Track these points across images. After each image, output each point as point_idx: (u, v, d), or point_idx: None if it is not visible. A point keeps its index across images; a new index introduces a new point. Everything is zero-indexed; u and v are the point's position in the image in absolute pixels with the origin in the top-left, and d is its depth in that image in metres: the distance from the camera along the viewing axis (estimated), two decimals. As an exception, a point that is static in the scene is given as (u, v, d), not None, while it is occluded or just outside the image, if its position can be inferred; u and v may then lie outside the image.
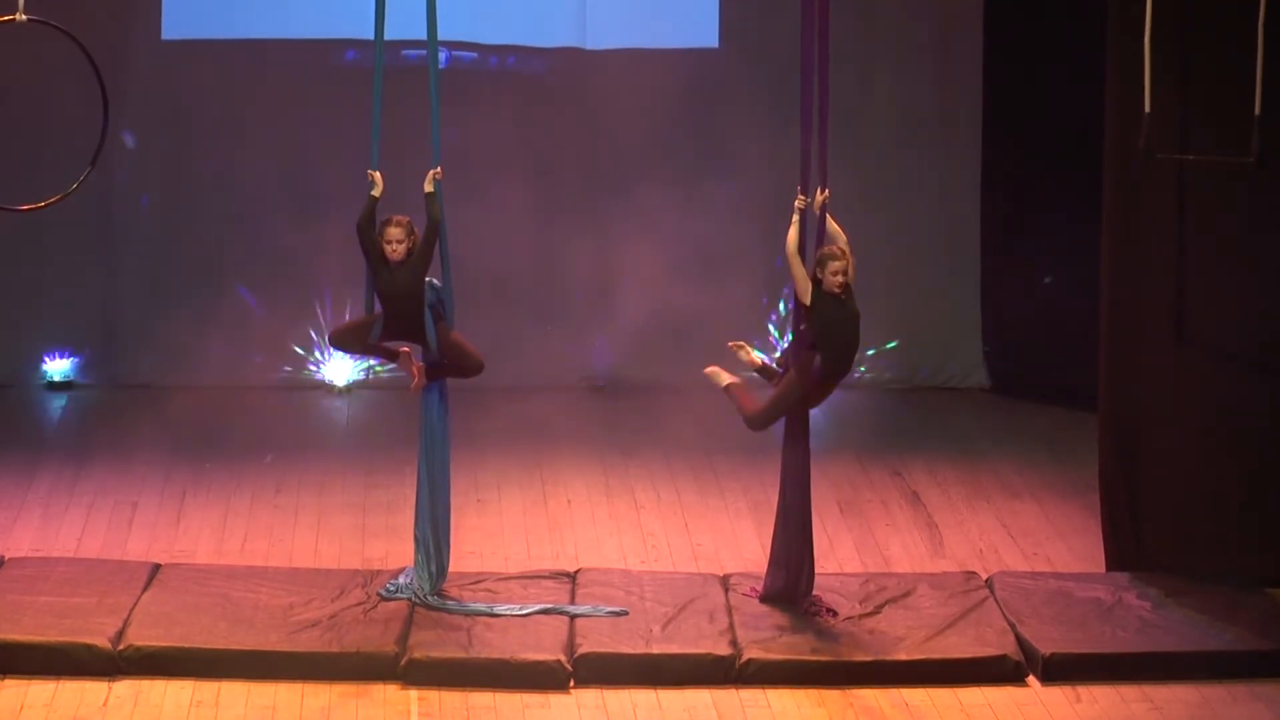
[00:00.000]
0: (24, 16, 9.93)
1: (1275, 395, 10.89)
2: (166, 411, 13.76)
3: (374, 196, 10.23)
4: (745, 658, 9.84)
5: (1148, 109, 10.28)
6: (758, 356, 10.50)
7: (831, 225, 10.18)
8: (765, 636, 10.05)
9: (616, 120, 14.25)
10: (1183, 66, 10.62)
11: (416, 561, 10.45)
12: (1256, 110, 10.14)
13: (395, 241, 10.11)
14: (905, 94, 14.63)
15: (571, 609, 10.31)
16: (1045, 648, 9.97)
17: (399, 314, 10.20)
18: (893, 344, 14.73)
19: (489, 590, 10.55)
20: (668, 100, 14.45)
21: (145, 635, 9.82)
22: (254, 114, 14.32)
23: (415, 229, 10.17)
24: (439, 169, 10.16)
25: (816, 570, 10.81)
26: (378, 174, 10.25)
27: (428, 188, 10.12)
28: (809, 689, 9.73)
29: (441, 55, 14.02)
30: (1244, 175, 10.32)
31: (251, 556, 11.28)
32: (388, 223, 10.15)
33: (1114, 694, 9.76)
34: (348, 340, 10.49)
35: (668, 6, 14.58)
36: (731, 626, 10.15)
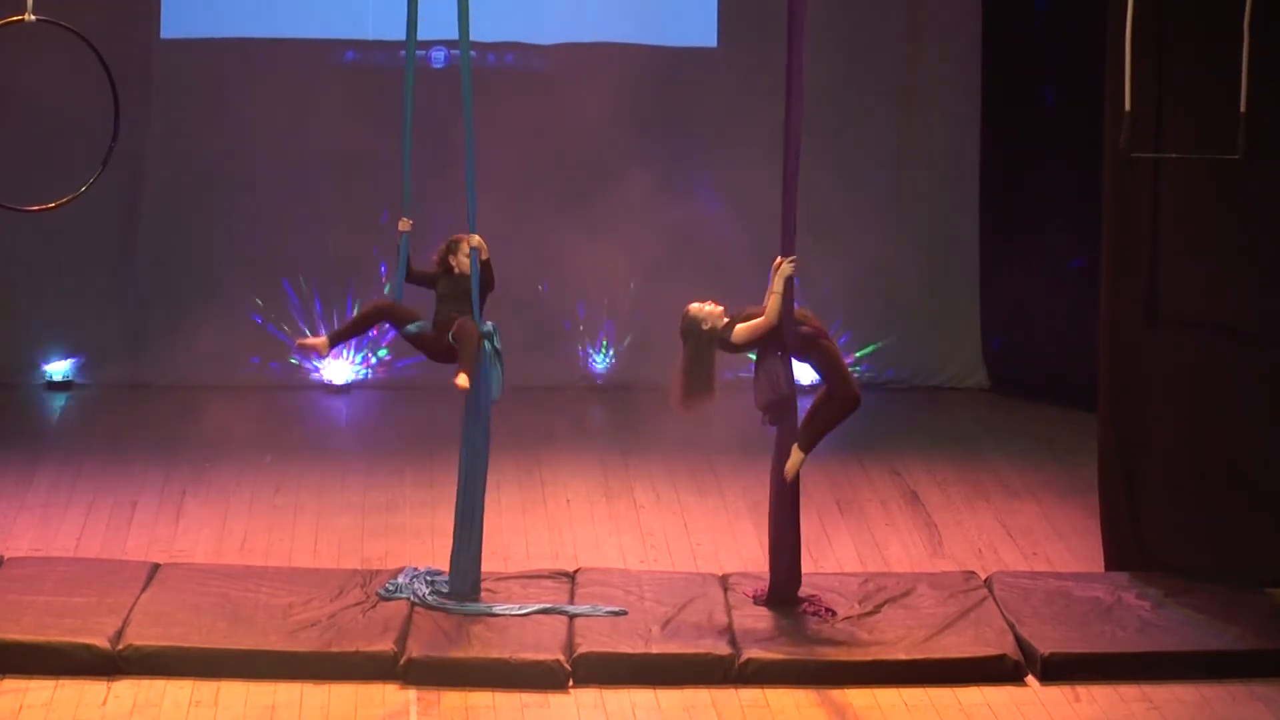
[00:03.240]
0: (32, 17, 9.92)
1: (1275, 397, 10.88)
2: (166, 411, 13.77)
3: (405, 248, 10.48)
4: (744, 657, 9.83)
5: (1128, 108, 10.30)
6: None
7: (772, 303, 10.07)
8: (764, 636, 10.05)
9: (617, 119, 14.24)
10: (1174, 65, 10.62)
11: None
12: (1242, 108, 10.16)
13: (465, 254, 10.34)
14: (904, 95, 14.64)
15: (570, 609, 10.30)
16: (1044, 647, 9.97)
17: (449, 314, 10.35)
18: (874, 346, 14.72)
19: (488, 590, 10.54)
20: (667, 99, 14.47)
21: (144, 635, 9.82)
22: (253, 113, 14.32)
23: None
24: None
25: (816, 570, 10.83)
26: (409, 222, 10.48)
27: (485, 255, 10.30)
28: (808, 688, 9.72)
29: (441, 54, 14.10)
30: (1236, 173, 10.33)
31: (251, 556, 11.28)
32: (461, 239, 10.37)
33: (1113, 693, 9.76)
34: (385, 315, 10.53)
35: (667, 5, 14.60)
36: (730, 626, 10.15)
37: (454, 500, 10.44)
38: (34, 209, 10.47)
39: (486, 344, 10.30)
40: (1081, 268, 14.43)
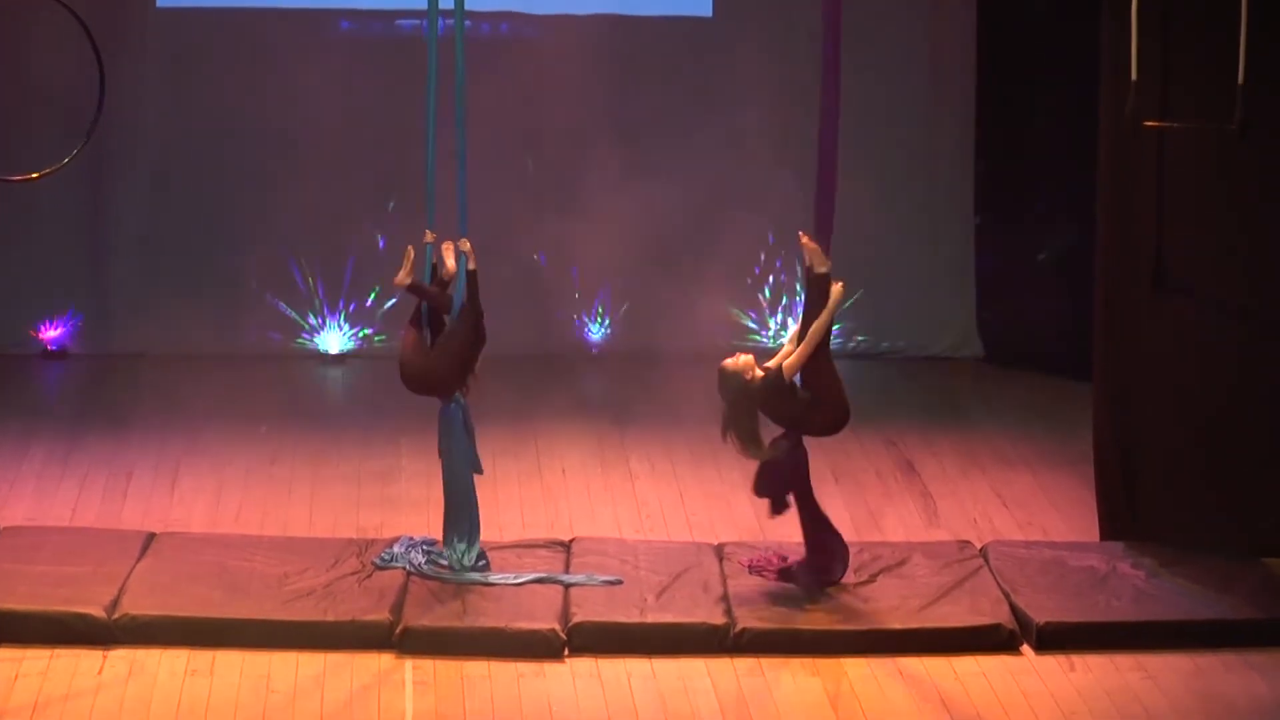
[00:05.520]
0: None
1: (1271, 365, 10.88)
2: (161, 380, 13.75)
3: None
4: (740, 627, 9.84)
5: (1134, 77, 10.28)
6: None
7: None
8: (760, 605, 10.06)
9: (610, 87, 14.24)
10: (1173, 36, 10.61)
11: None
12: (1240, 79, 10.15)
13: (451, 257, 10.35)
14: (897, 63, 14.61)
15: (566, 578, 10.31)
16: (1039, 616, 9.98)
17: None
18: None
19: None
20: (662, 68, 14.46)
21: (140, 604, 9.82)
22: (248, 82, 14.30)
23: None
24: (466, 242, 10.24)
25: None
26: (434, 235, 10.33)
27: (471, 265, 10.18)
28: (803, 658, 9.73)
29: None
30: (1232, 142, 10.32)
31: (246, 526, 11.28)
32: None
33: (1108, 663, 9.77)
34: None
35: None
36: (726, 596, 10.15)
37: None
38: (16, 179, 10.43)
39: (457, 409, 10.34)
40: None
